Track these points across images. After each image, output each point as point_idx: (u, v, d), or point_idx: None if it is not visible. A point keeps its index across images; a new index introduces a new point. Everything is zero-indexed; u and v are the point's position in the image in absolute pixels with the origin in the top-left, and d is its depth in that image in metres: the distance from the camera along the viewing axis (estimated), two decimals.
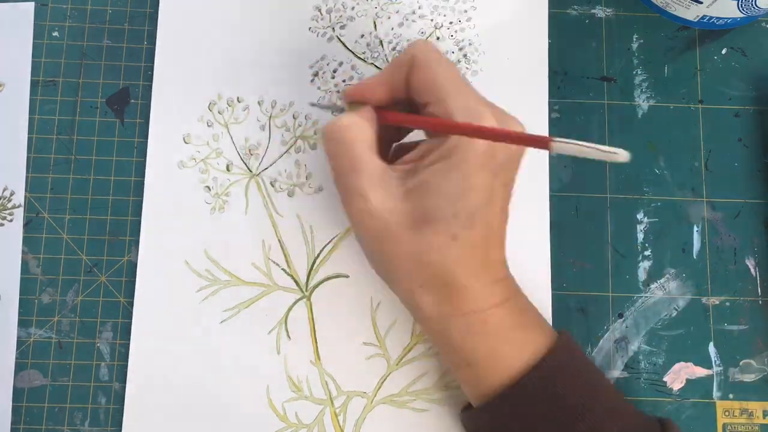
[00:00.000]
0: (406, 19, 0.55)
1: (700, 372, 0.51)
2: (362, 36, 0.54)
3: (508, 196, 0.43)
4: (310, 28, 0.54)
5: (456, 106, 0.40)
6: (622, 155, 0.33)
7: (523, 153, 0.43)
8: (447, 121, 0.40)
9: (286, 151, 0.52)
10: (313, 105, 0.52)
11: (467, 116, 0.40)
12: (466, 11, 0.55)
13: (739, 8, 0.51)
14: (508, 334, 0.42)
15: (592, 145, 0.34)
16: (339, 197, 0.43)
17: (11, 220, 0.51)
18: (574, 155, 0.35)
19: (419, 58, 0.42)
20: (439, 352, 0.45)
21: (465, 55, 0.54)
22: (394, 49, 0.54)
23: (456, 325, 0.41)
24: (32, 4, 0.54)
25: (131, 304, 0.50)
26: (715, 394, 0.50)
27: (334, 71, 0.54)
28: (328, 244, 0.52)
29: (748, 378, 0.51)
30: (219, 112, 0.53)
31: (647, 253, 0.52)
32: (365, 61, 0.54)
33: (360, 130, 0.42)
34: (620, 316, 0.51)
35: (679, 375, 0.51)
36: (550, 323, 0.50)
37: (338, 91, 0.53)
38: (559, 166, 0.53)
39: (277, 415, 0.49)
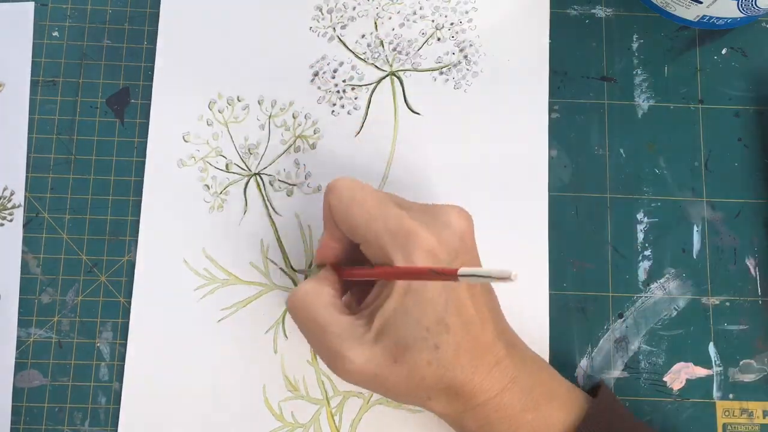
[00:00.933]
0: (407, 20, 0.55)
1: (700, 372, 0.50)
2: (363, 36, 0.54)
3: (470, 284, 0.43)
4: (310, 27, 0.54)
5: (381, 241, 0.41)
6: (513, 276, 0.34)
7: (469, 239, 0.43)
8: (369, 271, 0.42)
9: (285, 151, 0.52)
10: (298, 272, 0.52)
11: (394, 244, 0.40)
12: (467, 12, 0.55)
13: (739, 8, 0.51)
14: (519, 416, 0.41)
15: (487, 271, 0.34)
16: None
17: (11, 220, 0.51)
18: (477, 281, 0.35)
19: (334, 206, 0.42)
20: None
21: (466, 56, 0.54)
22: (394, 49, 0.54)
23: (472, 417, 0.42)
24: (32, 4, 0.54)
25: (131, 304, 0.50)
26: (715, 394, 0.50)
27: (335, 71, 0.54)
28: None
29: (748, 378, 0.50)
30: (219, 111, 0.53)
31: (647, 253, 0.52)
32: (365, 61, 0.54)
33: (317, 294, 0.43)
34: (620, 316, 0.51)
35: (679, 375, 0.50)
36: (547, 323, 0.50)
37: (338, 91, 0.53)
38: (559, 166, 0.53)
39: (273, 414, 0.49)
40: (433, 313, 0.40)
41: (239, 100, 0.53)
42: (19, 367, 0.50)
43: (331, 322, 0.42)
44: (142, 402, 0.49)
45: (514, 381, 0.42)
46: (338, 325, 0.41)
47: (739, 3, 0.50)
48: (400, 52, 0.54)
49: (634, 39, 0.55)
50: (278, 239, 0.51)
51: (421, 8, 0.55)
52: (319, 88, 0.53)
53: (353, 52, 0.54)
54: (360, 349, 0.41)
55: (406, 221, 0.41)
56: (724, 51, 0.55)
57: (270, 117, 0.53)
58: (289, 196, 0.52)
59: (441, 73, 0.54)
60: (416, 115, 0.53)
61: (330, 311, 0.42)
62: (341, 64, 0.54)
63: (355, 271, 0.44)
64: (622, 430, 0.43)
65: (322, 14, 0.55)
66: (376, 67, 0.54)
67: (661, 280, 0.52)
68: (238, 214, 0.51)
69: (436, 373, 0.40)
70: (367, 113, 0.53)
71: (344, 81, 0.54)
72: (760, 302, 0.51)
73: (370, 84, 0.54)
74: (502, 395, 0.41)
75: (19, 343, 0.50)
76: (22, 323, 0.50)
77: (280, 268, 0.51)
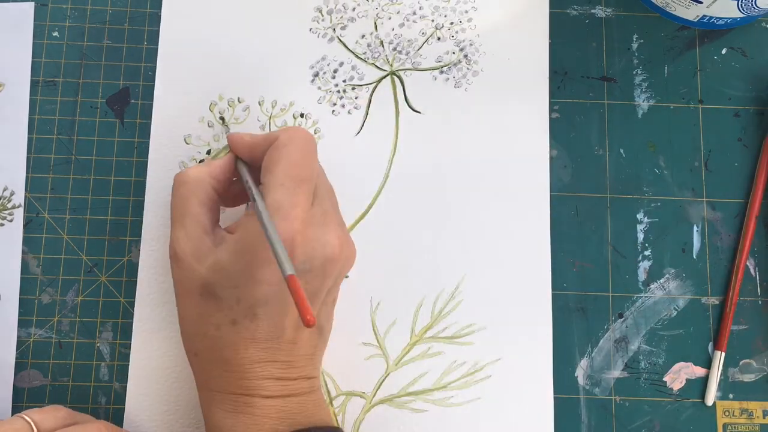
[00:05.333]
0: (407, 20, 0.55)
1: (700, 372, 0.51)
2: (363, 36, 0.54)
3: (322, 309, 0.44)
4: (310, 28, 0.54)
5: (273, 188, 0.41)
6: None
7: (331, 266, 0.42)
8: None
9: None
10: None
11: (277, 202, 0.41)
12: (466, 12, 0.55)
13: (739, 8, 0.51)
14: (272, 422, 0.41)
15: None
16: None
17: (11, 220, 0.51)
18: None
19: (280, 140, 0.43)
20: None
21: (466, 56, 0.54)
22: (394, 49, 0.54)
23: (219, 401, 0.42)
24: (32, 4, 0.54)
25: (131, 304, 0.50)
26: (715, 394, 0.50)
27: (335, 72, 0.54)
28: None
29: (748, 378, 0.51)
30: (220, 113, 0.53)
31: (647, 253, 0.52)
32: (366, 61, 0.54)
33: (198, 185, 0.44)
34: (620, 316, 0.51)
35: (679, 375, 0.50)
36: (550, 324, 0.51)
37: (338, 91, 0.53)
38: (559, 166, 0.53)
39: None
40: (249, 295, 0.41)
41: (240, 101, 0.53)
42: (19, 367, 0.50)
43: (191, 219, 0.43)
44: (147, 403, 0.49)
45: (287, 398, 0.42)
46: (195, 225, 0.43)
47: (739, 3, 0.51)
48: (400, 52, 0.54)
49: (634, 39, 0.55)
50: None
51: (420, 8, 0.55)
52: (319, 88, 0.53)
53: (353, 53, 0.54)
54: (191, 256, 0.42)
55: (302, 204, 0.42)
56: (724, 51, 0.55)
57: (270, 118, 0.53)
58: None
59: (441, 72, 0.54)
60: (417, 114, 0.53)
61: (196, 210, 0.43)
62: (341, 64, 0.54)
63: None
64: None
65: (322, 15, 0.55)
66: (377, 66, 0.54)
67: (661, 280, 0.52)
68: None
69: (219, 340, 0.41)
70: (367, 113, 0.53)
71: (344, 81, 0.54)
72: (760, 302, 0.51)
73: (371, 84, 0.54)
74: (263, 400, 0.41)
75: (19, 343, 0.50)
76: (22, 323, 0.50)
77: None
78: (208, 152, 0.52)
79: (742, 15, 0.52)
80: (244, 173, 0.45)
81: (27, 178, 0.52)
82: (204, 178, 0.44)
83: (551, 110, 0.54)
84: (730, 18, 0.53)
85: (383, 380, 0.50)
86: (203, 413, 0.44)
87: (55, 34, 0.54)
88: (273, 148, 0.43)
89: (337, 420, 0.49)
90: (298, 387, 0.42)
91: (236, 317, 0.41)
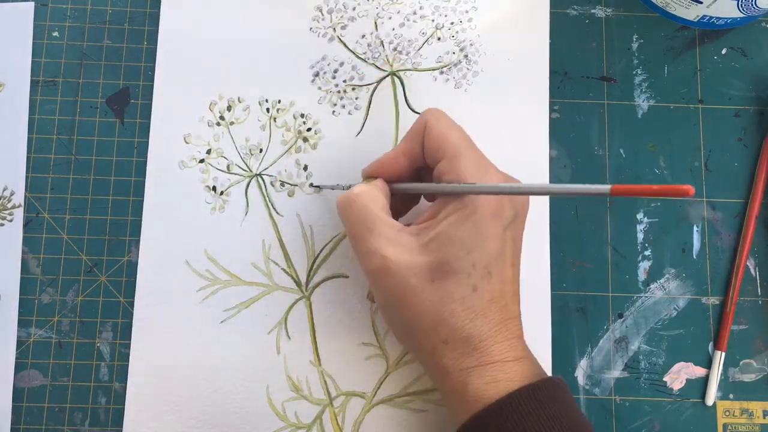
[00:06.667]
0: (407, 20, 0.55)
1: (700, 372, 0.51)
2: (363, 36, 0.54)
3: (518, 251, 0.44)
4: (311, 28, 0.54)
5: (467, 161, 0.42)
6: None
7: (526, 210, 0.44)
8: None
9: (286, 151, 0.52)
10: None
11: (477, 170, 0.42)
12: (467, 12, 0.55)
13: (739, 8, 0.51)
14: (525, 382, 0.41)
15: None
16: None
17: (11, 220, 0.51)
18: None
19: (431, 122, 0.44)
20: (451, 408, 0.43)
21: (466, 56, 0.54)
22: (395, 49, 0.54)
23: (478, 375, 0.41)
24: (32, 4, 0.54)
25: (131, 304, 0.50)
26: (716, 394, 0.50)
27: (335, 71, 0.54)
28: (328, 244, 0.52)
29: (748, 378, 0.51)
30: (220, 112, 0.53)
31: (647, 253, 0.52)
32: (366, 61, 0.54)
33: (372, 196, 0.44)
34: (620, 316, 0.51)
35: (679, 375, 0.51)
36: (549, 324, 0.51)
37: (339, 92, 0.53)
38: (559, 166, 0.53)
39: (276, 414, 0.49)
40: (484, 254, 0.41)
41: (240, 101, 0.53)
42: (19, 367, 0.50)
43: (381, 223, 0.43)
44: (146, 403, 0.49)
45: (524, 359, 0.42)
46: (388, 227, 0.43)
47: (739, 3, 0.51)
48: (400, 52, 0.54)
49: (634, 39, 0.55)
50: (280, 240, 0.51)
51: (421, 8, 0.55)
52: (319, 88, 0.53)
53: (353, 53, 0.54)
54: (400, 252, 0.42)
55: (485, 160, 0.44)
56: (724, 51, 0.55)
57: (271, 118, 0.53)
58: (290, 196, 0.52)
59: (441, 72, 0.54)
60: (417, 114, 0.53)
61: (382, 214, 0.43)
62: (342, 64, 0.54)
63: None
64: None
65: (322, 15, 0.55)
66: (377, 67, 0.54)
67: (661, 280, 0.52)
68: (240, 215, 0.51)
69: (465, 315, 0.41)
70: (367, 113, 0.53)
71: (345, 81, 0.54)
72: (760, 302, 0.51)
73: (371, 84, 0.54)
74: (512, 364, 0.41)
75: (19, 343, 0.50)
76: (22, 323, 0.50)
77: (282, 269, 0.51)
78: (209, 152, 0.52)
79: (742, 15, 0.52)
80: (411, 186, 0.46)
81: (27, 178, 0.52)
82: (373, 191, 0.44)
83: (551, 110, 0.54)
84: (730, 18, 0.53)
85: (383, 380, 0.50)
86: (450, 395, 0.42)
87: (55, 34, 0.54)
88: (429, 129, 0.44)
89: (337, 420, 0.49)
90: (526, 345, 0.43)
91: (475, 282, 0.41)
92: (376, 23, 0.55)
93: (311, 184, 0.52)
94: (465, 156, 0.43)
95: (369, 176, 0.47)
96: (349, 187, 0.48)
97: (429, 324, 0.41)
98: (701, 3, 0.52)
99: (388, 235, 0.42)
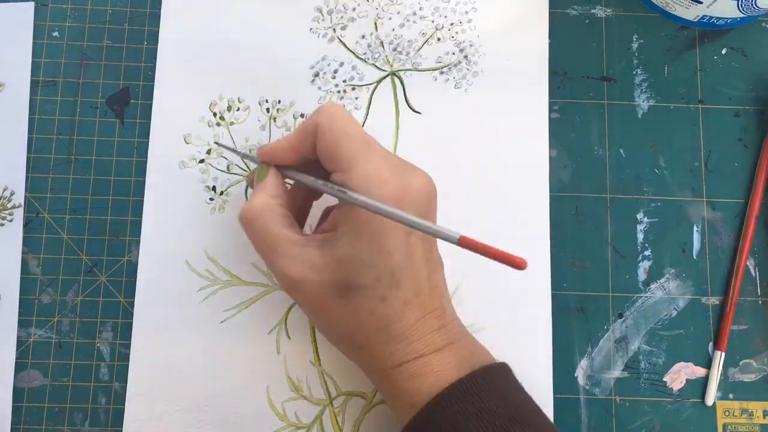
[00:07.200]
0: (407, 20, 0.55)
1: (700, 372, 0.51)
2: (363, 37, 0.54)
3: (431, 246, 0.44)
4: (311, 28, 0.54)
5: (357, 176, 0.41)
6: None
7: (434, 191, 0.43)
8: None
9: None
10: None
11: (366, 186, 0.40)
12: (466, 12, 0.55)
13: (739, 8, 0.51)
14: (451, 372, 0.41)
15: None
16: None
17: (11, 220, 0.51)
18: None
19: (323, 126, 0.42)
20: (387, 401, 0.45)
21: (466, 56, 0.54)
22: (394, 49, 0.54)
23: (401, 372, 0.42)
24: (32, 4, 0.54)
25: (131, 304, 0.50)
26: (715, 394, 0.50)
27: (335, 72, 0.54)
28: None
29: (748, 378, 0.51)
30: (220, 113, 0.53)
31: (647, 253, 0.52)
32: (366, 61, 0.54)
33: (270, 210, 0.43)
34: (620, 316, 0.51)
35: (679, 375, 0.50)
36: (550, 324, 0.51)
37: (339, 92, 0.53)
38: (559, 166, 0.53)
39: (276, 414, 0.49)
40: (387, 266, 0.41)
41: (240, 101, 0.53)
42: (19, 367, 0.50)
43: (284, 241, 0.42)
44: (147, 404, 0.49)
45: (445, 347, 0.42)
46: (291, 245, 0.42)
47: (739, 3, 0.51)
48: (400, 52, 0.54)
49: (634, 39, 0.55)
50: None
51: (420, 9, 0.55)
52: (319, 88, 0.53)
53: (353, 53, 0.54)
54: (305, 272, 0.41)
55: (384, 171, 0.41)
56: (724, 51, 0.55)
57: (271, 118, 0.53)
58: None
59: (441, 72, 0.54)
60: (417, 114, 0.53)
61: (280, 230, 0.42)
62: (342, 64, 0.54)
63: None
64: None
65: (322, 15, 0.55)
66: (377, 67, 0.54)
67: (661, 280, 0.52)
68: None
69: (376, 324, 0.41)
70: (367, 113, 0.53)
71: (345, 81, 0.54)
72: (760, 302, 0.51)
73: (371, 84, 0.54)
74: (434, 355, 0.41)
75: (19, 343, 0.50)
76: (22, 323, 0.50)
77: None
78: (209, 152, 0.52)
79: (742, 15, 0.52)
80: (302, 177, 0.44)
81: (27, 178, 0.52)
82: (268, 202, 0.43)
83: (551, 110, 0.54)
84: (730, 18, 0.53)
85: None
86: (384, 394, 0.44)
87: (55, 34, 0.54)
88: (321, 134, 0.42)
89: (337, 420, 0.49)
90: (456, 330, 0.43)
91: (383, 293, 0.41)
92: (376, 24, 0.55)
93: (216, 141, 0.52)
94: (356, 170, 0.41)
95: (264, 161, 0.45)
96: (248, 154, 0.49)
97: (344, 333, 0.43)
98: (701, 3, 0.52)
99: (292, 254, 0.42)
